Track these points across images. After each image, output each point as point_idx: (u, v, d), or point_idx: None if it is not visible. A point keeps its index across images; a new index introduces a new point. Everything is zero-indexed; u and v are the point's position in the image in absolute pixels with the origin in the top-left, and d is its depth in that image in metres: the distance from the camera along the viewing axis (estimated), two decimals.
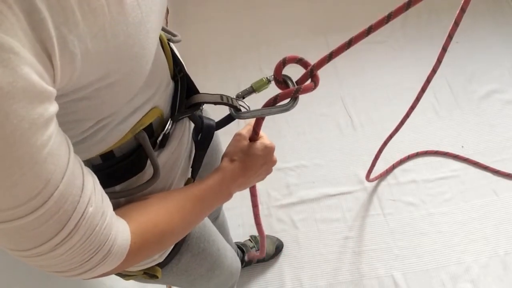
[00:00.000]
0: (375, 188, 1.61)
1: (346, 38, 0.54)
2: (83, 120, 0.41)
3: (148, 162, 0.52)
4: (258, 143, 0.62)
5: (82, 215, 0.36)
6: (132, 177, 0.52)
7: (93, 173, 0.40)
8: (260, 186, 1.65)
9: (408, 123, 1.72)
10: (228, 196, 0.60)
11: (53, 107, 0.31)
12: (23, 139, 0.29)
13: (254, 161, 0.60)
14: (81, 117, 0.40)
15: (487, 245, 1.46)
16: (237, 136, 0.62)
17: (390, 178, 1.63)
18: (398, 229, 1.52)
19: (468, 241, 1.47)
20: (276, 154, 0.64)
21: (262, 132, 0.62)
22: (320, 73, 0.56)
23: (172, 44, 0.58)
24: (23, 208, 0.31)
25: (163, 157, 0.55)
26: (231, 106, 0.58)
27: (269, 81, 0.59)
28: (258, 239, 1.48)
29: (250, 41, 2.05)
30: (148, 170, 0.53)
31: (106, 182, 0.47)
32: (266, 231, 1.54)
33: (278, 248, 1.49)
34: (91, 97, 0.38)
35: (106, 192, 0.44)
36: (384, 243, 1.49)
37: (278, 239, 1.51)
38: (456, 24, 0.68)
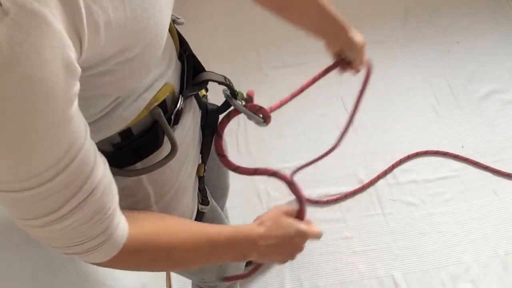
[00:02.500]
0: (374, 188, 1.61)
1: None
2: (105, 95, 0.43)
3: (165, 138, 0.53)
4: (293, 221, 0.62)
5: (91, 192, 0.38)
6: (151, 154, 0.53)
7: (105, 160, 0.42)
8: (260, 185, 1.65)
9: (408, 123, 1.73)
10: (243, 256, 0.59)
11: (77, 86, 0.33)
12: (55, 106, 0.31)
13: (281, 233, 0.60)
14: (104, 92, 0.43)
15: (487, 245, 1.46)
16: (275, 207, 0.65)
17: (390, 178, 1.63)
18: (398, 229, 1.51)
19: (468, 241, 1.47)
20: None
21: (308, 218, 0.64)
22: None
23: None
24: (45, 175, 0.34)
25: (178, 134, 0.56)
26: (230, 88, 0.61)
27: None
28: None
29: (250, 41, 2.05)
30: (166, 147, 0.54)
31: (127, 160, 0.51)
32: None
33: None
34: (113, 71, 0.40)
35: (128, 170, 0.49)
36: (384, 243, 1.49)
37: None
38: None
